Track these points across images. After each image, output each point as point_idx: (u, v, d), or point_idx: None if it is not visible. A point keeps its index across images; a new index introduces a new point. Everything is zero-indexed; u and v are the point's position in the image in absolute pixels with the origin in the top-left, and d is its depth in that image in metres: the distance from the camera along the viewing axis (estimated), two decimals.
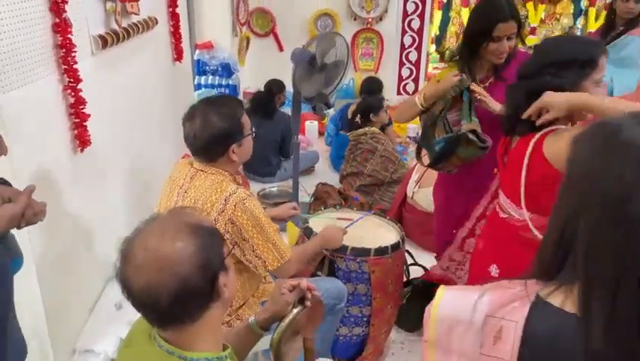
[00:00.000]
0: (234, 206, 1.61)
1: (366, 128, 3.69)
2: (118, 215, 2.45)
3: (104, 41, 2.15)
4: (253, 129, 1.76)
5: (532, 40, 7.15)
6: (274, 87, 4.07)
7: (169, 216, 0.98)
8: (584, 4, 6.84)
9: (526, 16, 7.14)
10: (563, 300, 0.74)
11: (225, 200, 1.62)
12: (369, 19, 5.21)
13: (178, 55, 3.21)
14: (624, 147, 0.70)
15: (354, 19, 5.24)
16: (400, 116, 2.17)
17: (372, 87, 4.41)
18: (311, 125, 4.65)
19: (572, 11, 6.90)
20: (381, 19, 5.22)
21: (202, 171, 1.69)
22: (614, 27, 3.14)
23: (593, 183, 0.72)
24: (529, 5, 7.05)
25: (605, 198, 0.70)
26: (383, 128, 4.05)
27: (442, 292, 0.85)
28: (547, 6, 7.04)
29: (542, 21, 7.10)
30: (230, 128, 1.65)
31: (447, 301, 0.84)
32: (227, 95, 3.57)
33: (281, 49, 5.33)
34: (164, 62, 3.14)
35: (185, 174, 1.72)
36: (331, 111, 5.40)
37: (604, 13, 6.53)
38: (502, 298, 0.78)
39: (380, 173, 3.56)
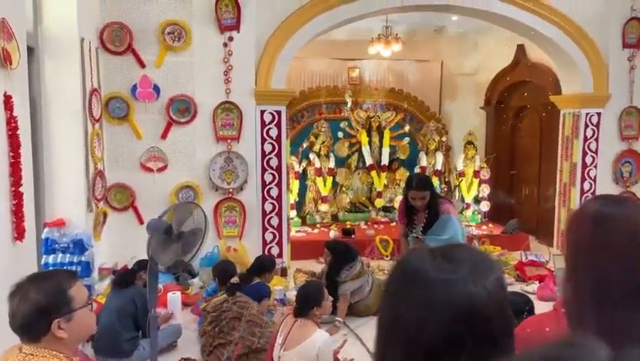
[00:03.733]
0: None
1: (223, 296, 3.63)
2: None
3: None
4: (90, 300, 1.66)
5: (380, 203, 8.05)
6: (141, 264, 3.91)
7: None
8: (416, 170, 8.00)
9: (372, 183, 8.11)
10: None
11: None
12: (231, 190, 5.47)
13: (19, 235, 3.03)
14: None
15: (216, 190, 5.46)
16: None
17: (263, 265, 4.42)
18: (173, 297, 4.42)
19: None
20: (241, 189, 5.51)
21: (32, 355, 1.51)
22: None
23: None
24: (373, 174, 8.06)
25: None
26: (260, 299, 3.98)
27: None
28: (387, 174, 8.11)
29: (386, 186, 8.10)
30: (51, 301, 1.53)
31: None
32: (57, 269, 3.41)
33: (141, 222, 5.25)
34: (3, 243, 2.91)
35: None
36: (196, 280, 5.28)
37: (434, 178, 7.71)
38: None
39: (248, 339, 3.44)
